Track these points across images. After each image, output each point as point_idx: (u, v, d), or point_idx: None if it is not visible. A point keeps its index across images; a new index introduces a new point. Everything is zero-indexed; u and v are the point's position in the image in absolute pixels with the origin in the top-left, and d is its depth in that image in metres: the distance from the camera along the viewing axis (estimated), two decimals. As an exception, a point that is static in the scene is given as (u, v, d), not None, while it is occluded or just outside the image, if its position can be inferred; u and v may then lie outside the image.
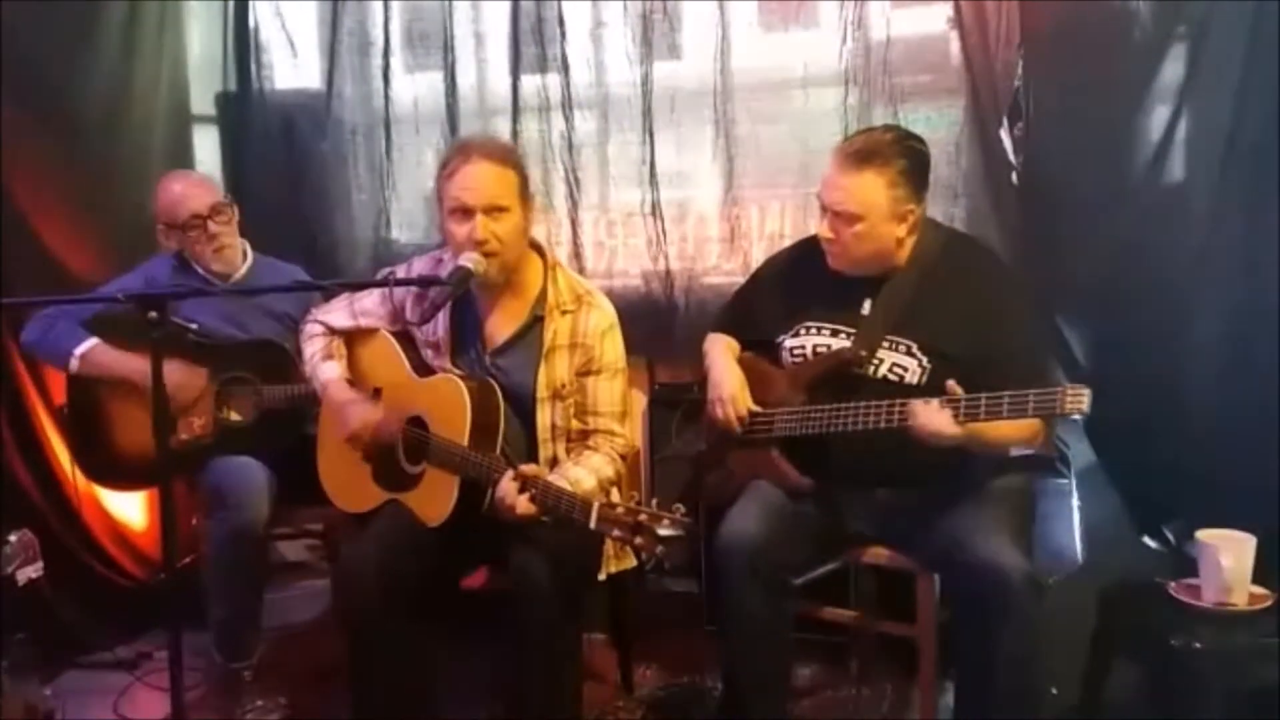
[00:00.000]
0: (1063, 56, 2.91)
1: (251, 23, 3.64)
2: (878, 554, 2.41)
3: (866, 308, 2.33)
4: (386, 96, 3.55)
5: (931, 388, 2.16)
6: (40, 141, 3.11)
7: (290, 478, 2.73)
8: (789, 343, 2.42)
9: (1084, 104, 2.84)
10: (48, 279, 3.08)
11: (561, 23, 3.35)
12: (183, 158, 3.61)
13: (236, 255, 2.94)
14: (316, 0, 3.63)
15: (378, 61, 3.54)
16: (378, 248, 3.60)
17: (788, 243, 2.87)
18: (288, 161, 3.64)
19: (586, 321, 2.37)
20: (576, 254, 3.42)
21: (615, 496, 2.34)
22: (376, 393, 2.49)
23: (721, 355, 2.52)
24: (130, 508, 3.34)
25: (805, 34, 3.23)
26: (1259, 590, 2.25)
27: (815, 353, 2.37)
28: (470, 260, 2.23)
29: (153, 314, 1.87)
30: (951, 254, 2.34)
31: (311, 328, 2.59)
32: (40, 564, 2.82)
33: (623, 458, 2.41)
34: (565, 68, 3.36)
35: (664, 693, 2.83)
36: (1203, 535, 2.28)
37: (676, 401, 2.88)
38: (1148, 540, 2.86)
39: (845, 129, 3.04)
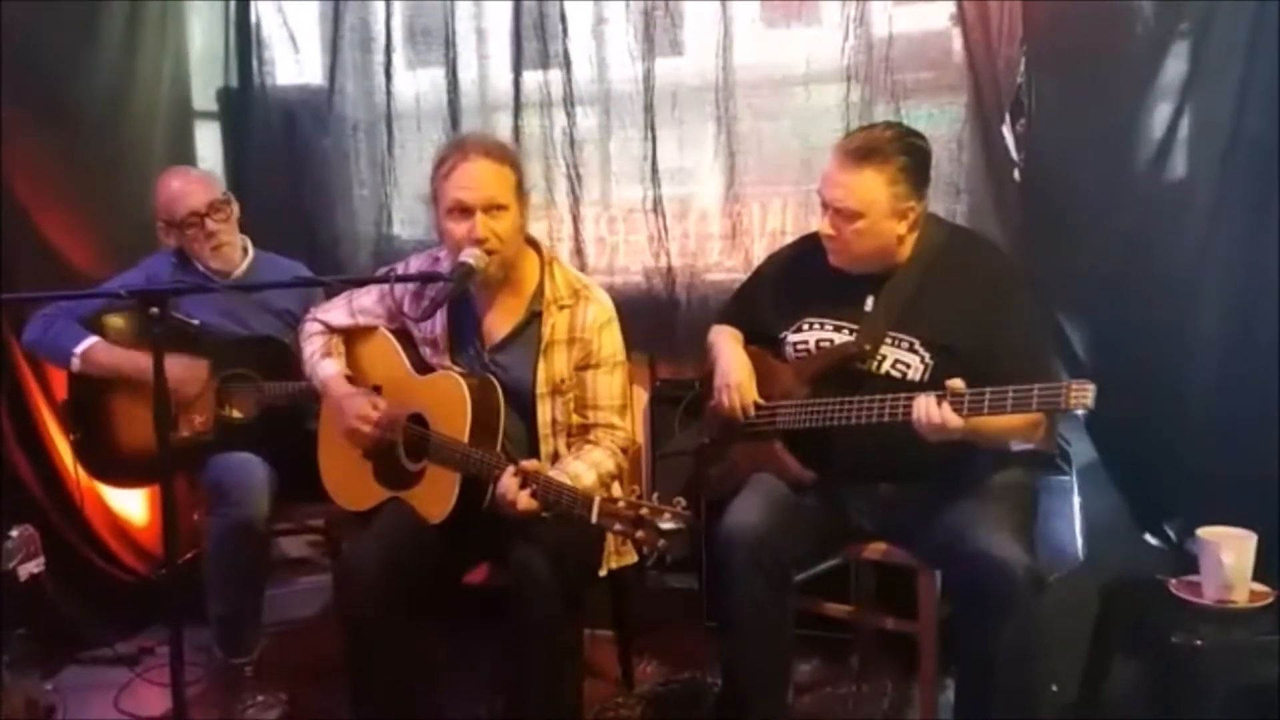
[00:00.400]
0: (1065, 53, 2.90)
1: (253, 18, 3.65)
2: (878, 550, 2.41)
3: (869, 304, 2.33)
4: (388, 92, 3.55)
5: (935, 384, 2.15)
6: (42, 137, 3.10)
7: (291, 474, 2.73)
8: (792, 338, 2.42)
9: (1086, 101, 2.83)
10: (49, 275, 3.07)
11: (563, 19, 3.34)
12: (184, 154, 3.60)
13: (235, 253, 2.94)
14: (318, -3, 3.64)
15: (379, 57, 3.54)
16: (379, 243, 3.61)
17: (789, 240, 2.86)
18: (289, 157, 3.65)
19: (584, 315, 2.37)
20: (578, 250, 3.42)
21: (616, 490, 2.33)
22: (376, 390, 2.50)
23: (728, 344, 2.52)
24: (131, 503, 3.34)
25: (807, 30, 3.23)
26: (1260, 587, 2.25)
27: (818, 347, 2.37)
28: (472, 256, 2.22)
29: (154, 309, 1.88)
30: (954, 249, 2.34)
31: (310, 326, 2.59)
32: (41, 559, 2.81)
33: (624, 451, 2.41)
34: (567, 64, 3.36)
35: (664, 689, 2.83)
36: (1203, 532, 2.28)
37: (678, 398, 2.87)
38: (1148, 537, 2.86)
39: (847, 126, 3.04)
